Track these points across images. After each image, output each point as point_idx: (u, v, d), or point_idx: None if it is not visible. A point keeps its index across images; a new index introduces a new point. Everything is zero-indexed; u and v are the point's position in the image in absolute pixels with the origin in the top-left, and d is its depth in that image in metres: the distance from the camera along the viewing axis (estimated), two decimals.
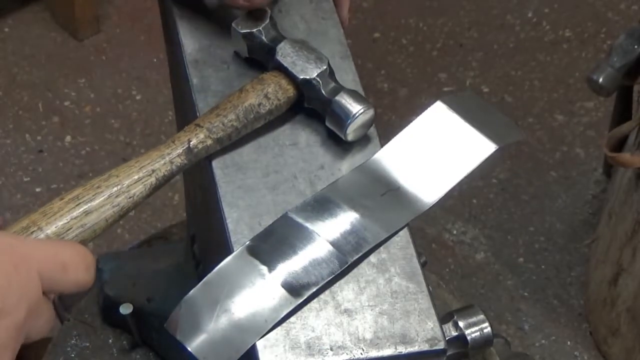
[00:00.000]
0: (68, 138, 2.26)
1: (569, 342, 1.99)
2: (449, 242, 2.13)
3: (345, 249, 0.83)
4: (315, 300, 0.81)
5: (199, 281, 0.80)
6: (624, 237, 1.79)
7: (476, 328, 0.86)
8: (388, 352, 0.79)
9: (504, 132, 0.96)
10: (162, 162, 0.85)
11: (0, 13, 2.48)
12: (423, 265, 0.85)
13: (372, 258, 0.84)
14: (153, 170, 0.84)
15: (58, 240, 0.78)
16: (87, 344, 1.35)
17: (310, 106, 0.91)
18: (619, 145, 1.75)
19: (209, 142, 0.87)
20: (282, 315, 0.79)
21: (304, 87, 0.90)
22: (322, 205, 0.85)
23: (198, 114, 0.90)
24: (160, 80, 2.34)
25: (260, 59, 0.93)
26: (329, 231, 0.84)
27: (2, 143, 2.24)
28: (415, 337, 0.79)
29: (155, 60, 2.41)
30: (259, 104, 0.89)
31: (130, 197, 0.82)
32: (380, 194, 0.88)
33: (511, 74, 2.43)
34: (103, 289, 1.35)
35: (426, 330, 0.80)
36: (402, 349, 0.79)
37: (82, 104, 2.33)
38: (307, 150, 0.90)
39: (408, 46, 2.49)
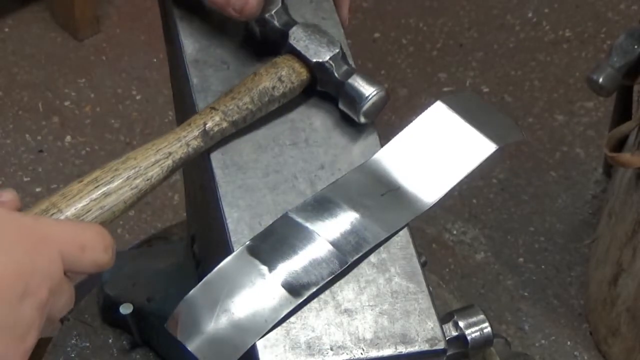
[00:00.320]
0: (68, 138, 2.26)
1: (569, 342, 1.99)
2: (449, 242, 2.13)
3: (345, 248, 0.83)
4: (315, 300, 0.81)
5: (199, 281, 0.80)
6: (624, 237, 1.79)
7: (476, 328, 0.86)
8: (388, 352, 0.79)
9: (504, 132, 0.96)
10: (179, 144, 0.86)
11: (0, 13, 2.48)
12: (423, 265, 0.85)
13: (372, 258, 0.84)
14: (170, 153, 0.85)
15: (77, 221, 0.79)
16: (87, 344, 1.35)
17: (323, 89, 0.93)
18: (619, 145, 1.75)
19: (225, 124, 0.88)
20: (282, 315, 0.79)
21: (317, 70, 0.91)
22: (322, 205, 0.86)
23: None
24: (160, 80, 2.34)
25: (272, 43, 0.94)
26: (329, 231, 0.84)
27: (2, 143, 2.24)
28: (416, 337, 0.79)
29: (155, 60, 2.41)
30: (273, 87, 0.90)
31: (147, 180, 0.84)
32: (381, 194, 0.88)
33: (511, 74, 2.43)
34: (103, 289, 1.35)
35: (426, 330, 0.80)
36: (402, 349, 0.79)
37: (82, 104, 2.33)
38: (307, 150, 0.90)
39: (408, 46, 2.49)
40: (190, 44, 0.96)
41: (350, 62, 0.94)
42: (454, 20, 2.54)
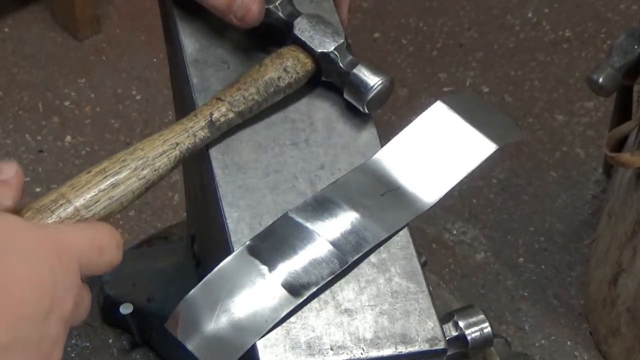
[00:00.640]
0: (68, 138, 2.26)
1: (569, 342, 1.99)
2: (449, 242, 2.13)
3: (345, 248, 0.83)
4: (315, 300, 0.81)
5: (199, 281, 0.80)
6: (624, 237, 1.79)
7: (476, 328, 0.86)
8: (388, 352, 0.79)
9: (504, 132, 0.96)
10: (186, 135, 0.86)
11: (0, 13, 2.48)
12: (423, 265, 0.85)
13: (372, 258, 0.84)
14: (177, 144, 0.86)
15: (91, 222, 0.79)
16: (87, 344, 1.35)
17: (328, 79, 0.93)
18: (619, 145, 1.74)
19: (231, 115, 0.88)
20: (282, 315, 0.79)
21: (322, 61, 0.92)
22: (322, 205, 0.86)
23: None
24: (160, 80, 2.34)
25: (277, 34, 0.95)
26: (329, 231, 0.84)
27: (2, 143, 2.24)
28: (416, 337, 0.79)
29: (155, 60, 2.41)
30: (279, 78, 0.90)
31: (155, 170, 0.84)
32: (381, 194, 0.88)
33: (511, 74, 2.43)
34: (103, 289, 1.35)
35: (426, 330, 0.80)
36: (403, 349, 0.79)
37: (82, 104, 2.33)
38: (307, 150, 0.90)
39: (408, 46, 2.49)
40: (190, 43, 0.96)
41: None
42: (454, 20, 2.54)
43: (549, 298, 2.05)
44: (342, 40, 0.92)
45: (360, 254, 0.83)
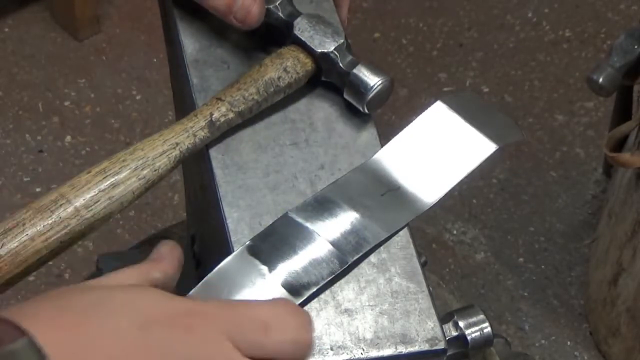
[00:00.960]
0: (68, 138, 2.26)
1: (569, 342, 1.99)
2: (449, 242, 2.13)
3: (345, 248, 0.83)
4: (315, 300, 0.81)
5: (199, 281, 0.80)
6: (624, 237, 1.79)
7: (476, 328, 0.86)
8: (388, 352, 0.79)
9: (504, 132, 0.96)
10: (186, 135, 0.86)
11: (0, 13, 2.48)
12: (423, 265, 0.85)
13: (372, 258, 0.84)
14: (177, 144, 0.86)
15: (257, 301, 0.74)
16: None
17: (328, 79, 0.93)
18: (619, 145, 1.75)
19: (231, 115, 0.88)
20: None
21: (322, 61, 0.92)
22: (322, 205, 0.86)
23: None
24: (160, 80, 2.34)
25: (277, 34, 0.95)
26: (329, 231, 0.84)
27: (2, 143, 2.24)
28: (416, 337, 0.79)
29: (155, 60, 2.41)
30: (279, 78, 0.90)
31: (155, 170, 0.84)
32: (381, 194, 0.88)
33: (511, 74, 2.43)
34: None
35: (426, 330, 0.80)
36: (403, 349, 0.79)
37: (82, 104, 2.33)
38: (307, 150, 0.90)
39: (408, 46, 2.49)
40: (190, 44, 0.96)
41: None
42: (454, 20, 2.54)
43: (549, 298, 2.05)
44: (342, 40, 0.92)
45: (360, 254, 0.83)
